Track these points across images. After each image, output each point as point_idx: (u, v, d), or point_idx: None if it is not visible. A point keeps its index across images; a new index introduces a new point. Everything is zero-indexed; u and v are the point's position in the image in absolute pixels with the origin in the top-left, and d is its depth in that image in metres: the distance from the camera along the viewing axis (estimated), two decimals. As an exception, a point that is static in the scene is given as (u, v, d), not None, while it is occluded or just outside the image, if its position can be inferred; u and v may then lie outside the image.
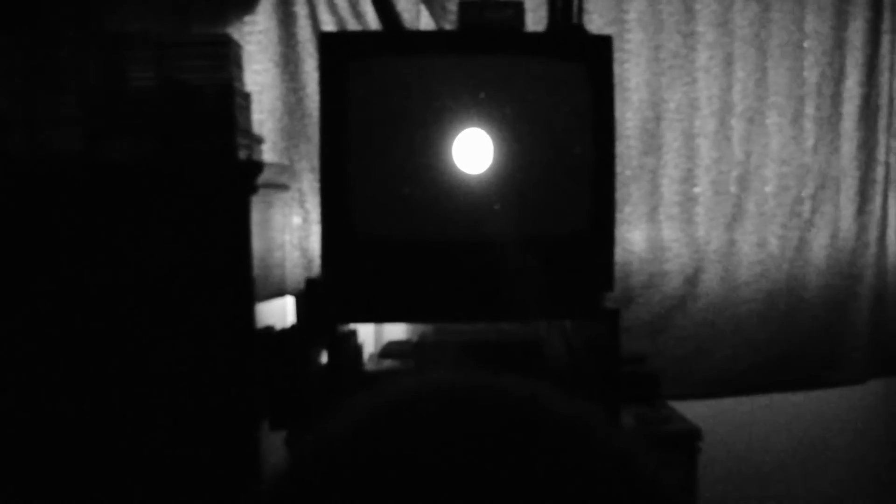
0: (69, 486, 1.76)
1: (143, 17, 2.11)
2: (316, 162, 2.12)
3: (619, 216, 2.24)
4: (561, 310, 1.90)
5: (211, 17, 2.18)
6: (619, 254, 2.28)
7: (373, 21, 2.24)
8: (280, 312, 2.11)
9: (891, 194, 2.59)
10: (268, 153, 2.20)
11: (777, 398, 2.54)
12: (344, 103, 1.76)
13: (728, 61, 2.43)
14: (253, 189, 1.80)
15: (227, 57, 1.83)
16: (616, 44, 2.05)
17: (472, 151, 1.77)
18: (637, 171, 2.40)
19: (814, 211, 2.51)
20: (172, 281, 1.76)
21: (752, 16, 2.44)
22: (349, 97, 1.76)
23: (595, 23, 2.34)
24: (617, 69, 2.04)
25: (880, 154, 2.55)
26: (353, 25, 2.27)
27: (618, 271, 2.00)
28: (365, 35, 2.17)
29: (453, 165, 1.76)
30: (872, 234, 2.56)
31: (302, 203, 2.27)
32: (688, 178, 2.43)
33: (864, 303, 2.56)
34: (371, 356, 2.16)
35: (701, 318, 2.46)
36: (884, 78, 2.53)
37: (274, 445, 1.88)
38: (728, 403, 2.49)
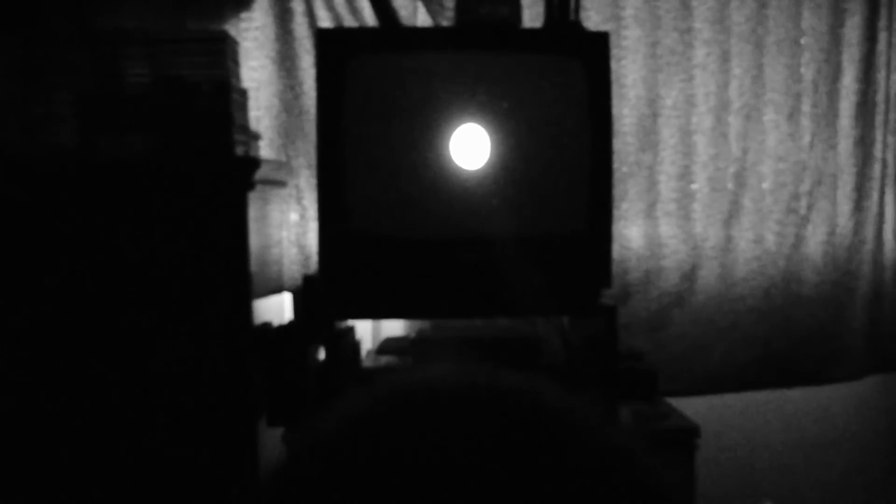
0: (67, 484, 1.76)
1: (140, 14, 2.11)
2: (313, 158, 2.12)
3: (616, 213, 2.24)
4: (558, 306, 1.90)
5: (207, 13, 2.18)
6: (617, 250, 2.29)
7: (369, 17, 2.24)
8: (277, 309, 2.10)
9: (887, 191, 2.59)
10: (265, 150, 2.20)
11: (774, 394, 2.54)
12: (341, 100, 1.76)
13: (725, 58, 2.43)
14: (250, 185, 1.79)
15: (224, 53, 1.83)
16: (613, 40, 2.05)
17: (470, 147, 1.77)
18: (634, 167, 2.40)
19: (810, 207, 2.52)
20: (169, 278, 1.76)
21: (748, 12, 2.44)
22: (346, 94, 1.76)
23: (592, 19, 2.34)
24: (613, 66, 2.04)
25: (877, 151, 2.55)
26: (349, 22, 2.27)
27: (615, 268, 2.00)
28: (362, 32, 2.16)
29: (450, 161, 1.76)
30: (869, 230, 2.56)
31: (299, 199, 2.27)
32: (685, 175, 2.43)
33: (861, 299, 2.56)
34: (369, 353, 2.16)
35: (698, 314, 2.47)
36: (880, 75, 2.53)
37: (271, 442, 1.88)
38: (725, 400, 2.50)
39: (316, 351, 1.96)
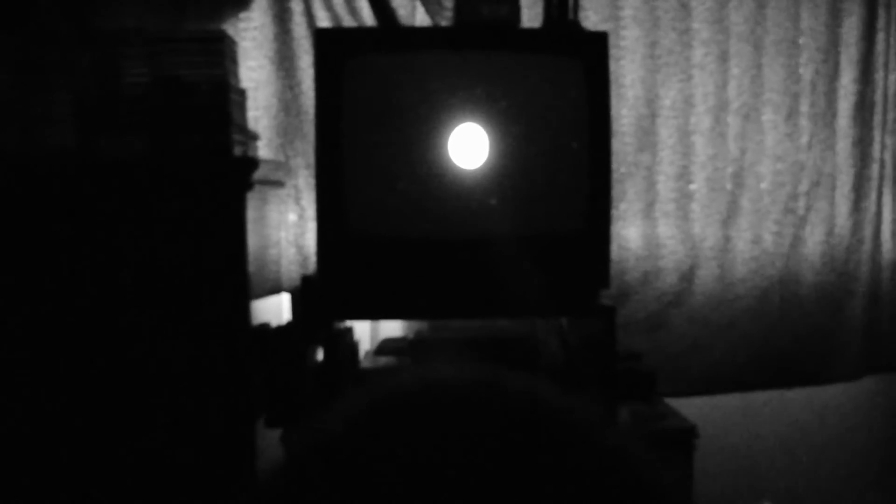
0: (65, 484, 1.76)
1: (138, 13, 2.10)
2: (311, 158, 2.11)
3: (614, 213, 2.24)
4: (557, 307, 1.90)
5: (206, 13, 2.18)
6: (615, 251, 2.29)
7: (368, 17, 2.24)
8: (276, 310, 2.10)
9: (885, 191, 2.59)
10: (263, 150, 2.20)
11: (772, 394, 2.54)
12: (339, 100, 1.76)
13: (723, 58, 2.43)
14: (248, 186, 1.79)
15: (222, 53, 1.83)
16: (611, 40, 2.05)
17: (468, 147, 1.77)
18: (632, 167, 2.40)
19: (809, 208, 2.52)
20: (167, 278, 1.76)
21: (747, 13, 2.44)
22: (345, 94, 1.76)
23: (590, 19, 2.34)
24: (612, 66, 2.04)
25: (875, 151, 2.55)
26: (348, 22, 2.27)
27: (613, 268, 2.00)
28: (360, 31, 2.16)
29: (449, 161, 1.76)
30: (867, 230, 2.56)
31: (297, 200, 2.27)
32: (683, 175, 2.43)
33: (859, 300, 2.56)
34: (367, 353, 2.16)
35: (696, 314, 2.47)
36: (878, 75, 2.53)
37: (270, 443, 1.88)
38: (723, 400, 2.50)
39: (314, 352, 1.96)
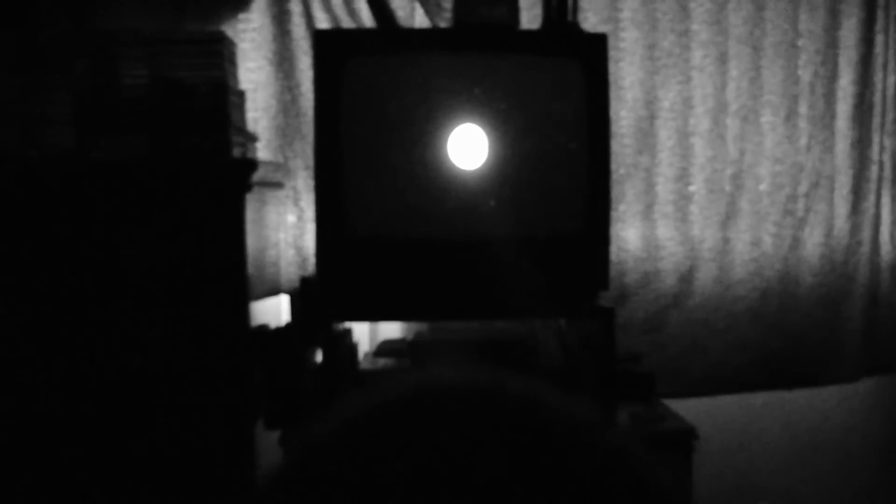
0: (63, 485, 1.75)
1: (136, 14, 2.10)
2: (310, 160, 2.11)
3: (613, 215, 2.24)
4: (556, 308, 1.90)
5: (205, 14, 2.17)
6: (614, 252, 2.29)
7: (367, 18, 2.24)
8: (275, 311, 2.10)
9: (884, 193, 2.59)
10: (262, 151, 2.20)
11: (771, 396, 2.54)
12: (338, 101, 1.76)
13: (722, 60, 2.43)
14: (247, 187, 1.79)
15: (221, 54, 1.83)
16: (610, 42, 2.06)
17: (467, 148, 1.77)
18: (631, 169, 2.40)
19: (807, 209, 2.52)
20: (166, 279, 1.76)
21: (745, 14, 2.44)
22: (344, 95, 1.76)
23: (589, 21, 2.34)
24: (611, 68, 2.04)
25: (874, 153, 2.55)
26: (347, 23, 2.27)
27: (612, 270, 2.00)
28: (359, 33, 2.16)
29: (448, 162, 1.76)
30: (866, 232, 2.56)
31: (296, 201, 2.27)
32: (682, 177, 2.43)
33: (858, 301, 2.57)
34: (366, 355, 2.16)
35: (695, 316, 2.47)
36: (877, 77, 2.53)
37: (269, 445, 1.87)
38: (722, 401, 2.50)
39: (313, 353, 1.96)
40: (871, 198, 2.56)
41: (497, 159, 1.77)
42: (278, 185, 2.19)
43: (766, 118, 2.47)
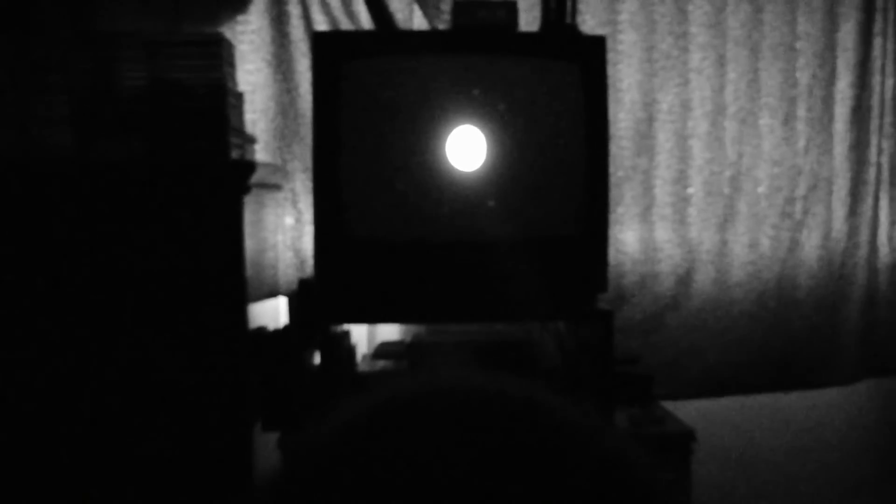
0: (61, 489, 1.75)
1: (135, 16, 2.10)
2: (309, 162, 2.12)
3: (611, 217, 2.24)
4: (554, 310, 1.90)
5: (203, 16, 2.17)
6: (612, 254, 2.29)
7: (366, 21, 2.24)
8: (273, 313, 2.10)
9: (882, 195, 2.60)
10: (260, 153, 2.20)
11: (769, 398, 2.54)
12: (337, 103, 1.76)
13: (720, 62, 2.44)
14: (245, 189, 1.79)
15: (220, 56, 1.83)
16: (609, 44, 2.06)
17: (466, 150, 1.77)
18: (629, 171, 2.40)
19: (805, 212, 2.52)
20: (164, 281, 1.75)
21: (744, 17, 2.44)
22: (342, 97, 1.76)
23: (588, 23, 2.34)
24: (609, 70, 2.04)
25: (872, 155, 2.56)
26: (345, 25, 2.27)
27: (610, 272, 2.00)
28: (358, 35, 2.16)
29: (446, 165, 1.76)
30: (864, 235, 2.57)
31: (295, 203, 2.27)
32: (680, 179, 2.44)
33: (856, 303, 2.57)
34: (364, 357, 2.16)
35: (693, 318, 2.47)
36: (875, 79, 2.54)
37: (267, 447, 1.87)
38: (720, 403, 2.50)
39: (311, 355, 1.95)
40: (869, 200, 2.56)
41: (495, 161, 1.77)
42: (276, 187, 2.19)
43: (765, 121, 2.48)
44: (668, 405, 2.21)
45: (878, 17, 2.53)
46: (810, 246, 2.53)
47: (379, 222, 1.79)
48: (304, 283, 2.04)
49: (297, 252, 2.26)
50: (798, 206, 2.52)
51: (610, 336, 1.84)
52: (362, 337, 2.24)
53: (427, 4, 2.26)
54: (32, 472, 1.75)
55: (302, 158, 2.24)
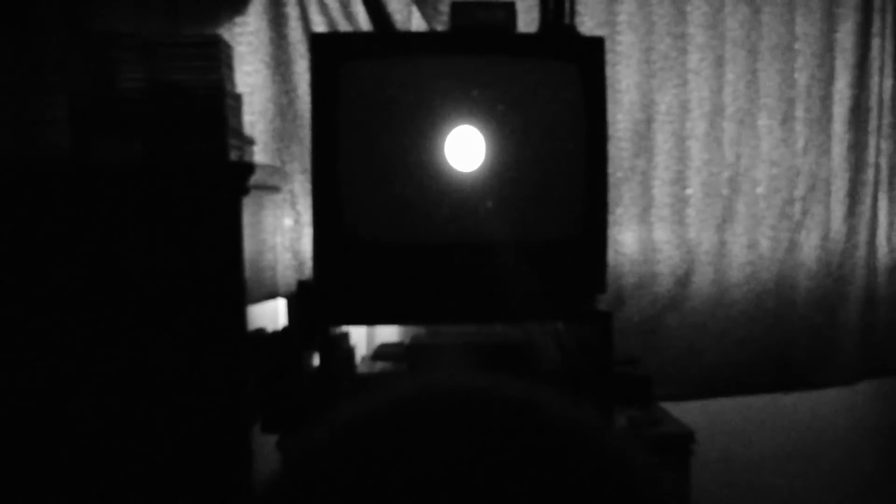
0: (59, 490, 1.75)
1: (133, 17, 2.10)
2: (307, 163, 2.12)
3: (610, 218, 2.24)
4: (553, 311, 1.90)
5: (201, 17, 2.17)
6: (611, 255, 2.29)
7: (364, 22, 2.24)
8: (272, 315, 2.10)
9: (881, 196, 2.60)
10: (259, 154, 2.20)
11: (768, 398, 2.55)
12: (335, 104, 1.76)
13: (719, 63, 2.44)
14: (244, 191, 1.79)
15: (218, 58, 1.82)
16: (607, 45, 2.06)
17: (465, 150, 1.77)
18: (628, 172, 2.41)
19: (804, 212, 2.52)
20: (163, 283, 1.75)
21: (742, 18, 2.45)
22: (341, 98, 1.76)
23: (586, 24, 2.34)
24: (608, 71, 2.04)
25: (870, 156, 2.56)
26: (344, 26, 2.27)
27: (609, 273, 2.00)
28: (356, 36, 2.16)
29: (445, 167, 1.76)
30: (862, 235, 2.57)
31: (293, 205, 2.27)
32: (679, 180, 2.44)
33: (855, 304, 2.57)
34: (363, 358, 2.16)
35: (692, 319, 2.47)
36: (873, 80, 2.54)
37: (266, 448, 1.87)
38: (719, 404, 2.50)
39: (310, 357, 1.95)
40: (868, 201, 2.57)
41: (494, 162, 1.77)
42: (275, 189, 2.19)
43: (763, 121, 2.48)
44: (668, 406, 2.21)
45: (877, 18, 2.53)
46: (809, 246, 2.54)
47: (378, 223, 1.79)
48: (303, 284, 2.04)
49: (296, 253, 2.26)
50: (797, 207, 2.52)
51: (609, 337, 1.84)
52: (361, 338, 2.24)
53: (425, 5, 2.26)
54: (32, 472, 1.75)
55: (301, 160, 2.24)
